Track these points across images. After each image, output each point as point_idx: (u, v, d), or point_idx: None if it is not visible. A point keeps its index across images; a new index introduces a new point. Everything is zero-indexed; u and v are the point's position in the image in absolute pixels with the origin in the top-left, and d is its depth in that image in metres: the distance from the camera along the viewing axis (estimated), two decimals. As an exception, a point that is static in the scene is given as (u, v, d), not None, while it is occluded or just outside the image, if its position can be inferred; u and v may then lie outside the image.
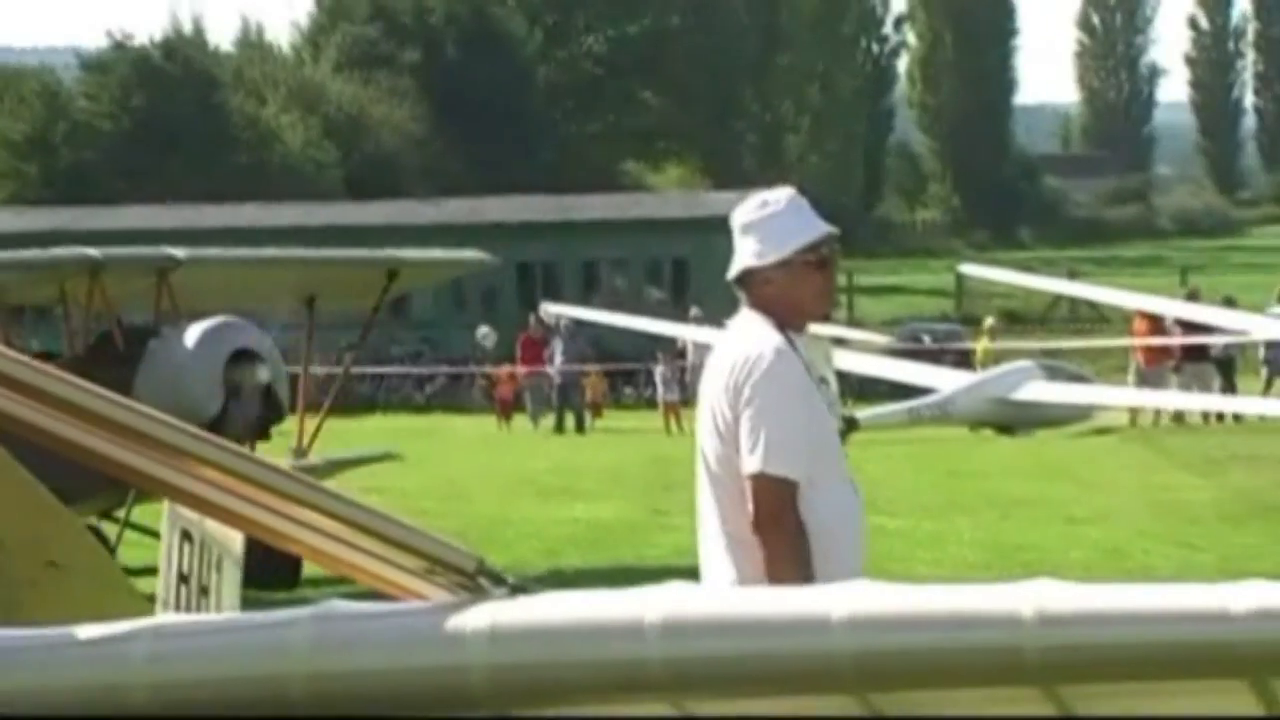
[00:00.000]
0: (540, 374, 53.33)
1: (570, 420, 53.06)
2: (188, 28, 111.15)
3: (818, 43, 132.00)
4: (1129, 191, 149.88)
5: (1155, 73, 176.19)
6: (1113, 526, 27.95)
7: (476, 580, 5.28)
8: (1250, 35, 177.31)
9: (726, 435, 9.25)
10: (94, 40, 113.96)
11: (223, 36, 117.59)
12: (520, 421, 53.87)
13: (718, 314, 42.95)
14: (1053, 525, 28.26)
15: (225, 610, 7.05)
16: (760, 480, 9.11)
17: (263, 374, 24.32)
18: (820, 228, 9.44)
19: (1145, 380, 47.98)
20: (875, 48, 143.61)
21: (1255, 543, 25.26)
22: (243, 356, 24.27)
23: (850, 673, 4.27)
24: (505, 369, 56.32)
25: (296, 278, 28.33)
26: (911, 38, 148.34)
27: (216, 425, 23.35)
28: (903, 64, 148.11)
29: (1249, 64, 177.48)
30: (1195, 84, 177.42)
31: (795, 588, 5.99)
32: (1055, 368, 48.54)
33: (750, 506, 9.16)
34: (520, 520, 28.71)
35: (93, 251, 26.10)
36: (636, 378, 61.16)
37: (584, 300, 62.37)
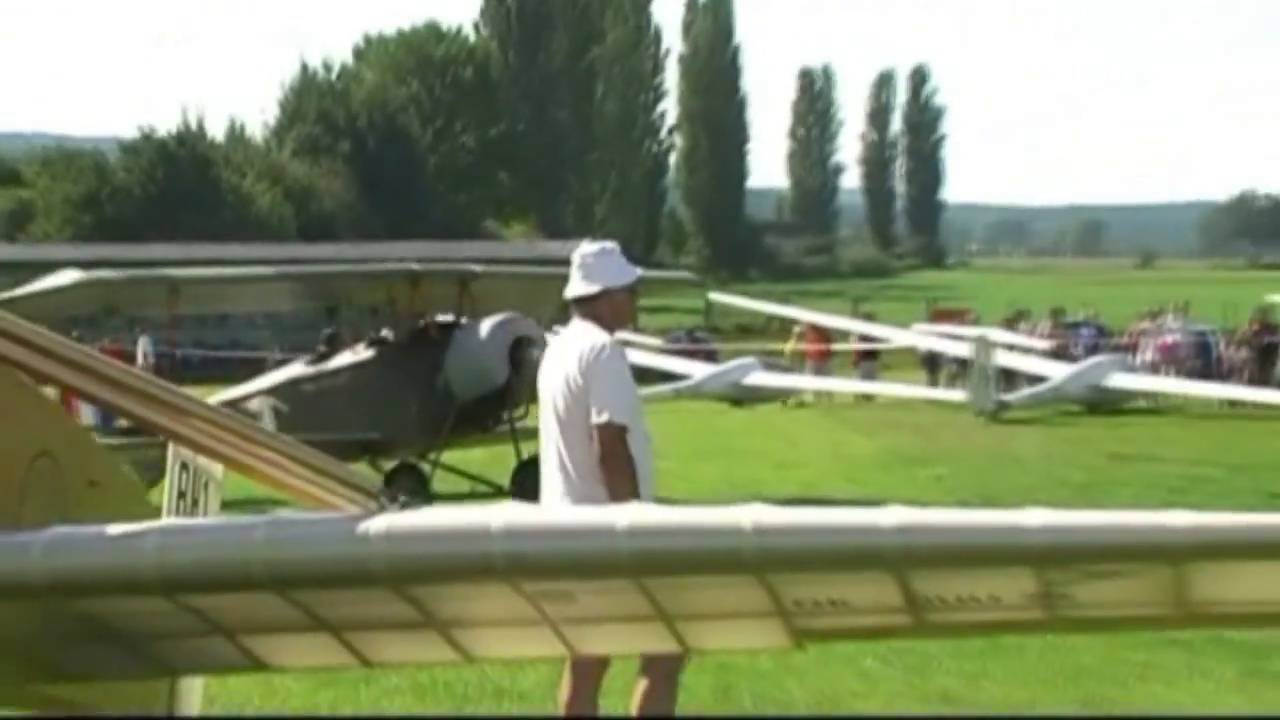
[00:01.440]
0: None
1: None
2: (194, 124, 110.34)
3: (617, 144, 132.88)
4: (820, 247, 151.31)
5: (839, 169, 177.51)
6: (808, 470, 28.08)
7: (379, 498, 5.27)
8: (901, 146, 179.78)
9: (578, 397, 9.54)
10: (130, 132, 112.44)
11: (217, 130, 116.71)
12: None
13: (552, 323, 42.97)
14: (768, 468, 28.31)
15: (211, 516, 6.99)
16: (608, 427, 9.47)
17: (536, 354, 22.72)
18: (634, 272, 10.09)
19: (819, 371, 48.24)
20: (655, 148, 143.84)
21: (897, 481, 25.40)
22: (522, 341, 23.89)
23: (627, 563, 4.27)
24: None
25: (554, 288, 27.05)
26: (679, 141, 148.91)
27: (504, 390, 23.87)
28: (673, 158, 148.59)
29: (900, 164, 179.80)
30: (865, 176, 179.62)
31: (589, 507, 5.97)
32: (770, 362, 48.73)
33: (597, 446, 9.46)
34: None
35: (414, 265, 25.92)
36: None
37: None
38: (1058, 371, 41.96)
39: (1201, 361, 46.41)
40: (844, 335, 51.31)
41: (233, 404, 23.75)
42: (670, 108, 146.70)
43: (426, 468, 24.42)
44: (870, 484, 25.11)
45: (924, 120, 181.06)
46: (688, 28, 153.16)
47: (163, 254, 68.46)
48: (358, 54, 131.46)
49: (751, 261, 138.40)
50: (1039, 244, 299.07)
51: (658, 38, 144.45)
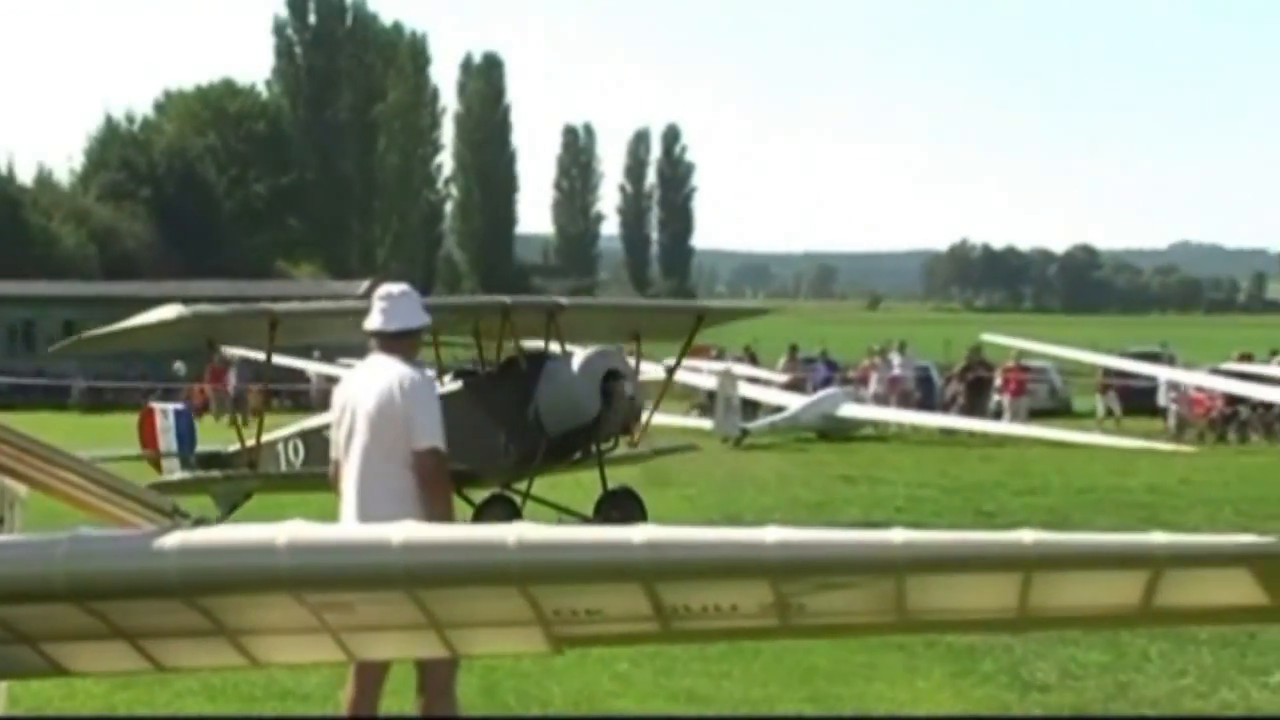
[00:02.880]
0: (222, 390, 51.90)
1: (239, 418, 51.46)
2: (3, 168, 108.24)
3: (398, 192, 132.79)
4: (582, 288, 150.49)
5: (599, 217, 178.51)
6: (577, 489, 27.91)
7: (172, 516, 5.19)
8: (655, 197, 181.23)
9: (394, 424, 9.45)
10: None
11: (26, 174, 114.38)
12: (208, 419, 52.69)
13: (327, 356, 42.36)
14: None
15: (16, 533, 6.85)
16: (434, 453, 9.44)
17: (627, 389, 22.19)
18: (426, 316, 10.12)
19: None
20: (432, 196, 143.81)
21: (652, 501, 24.93)
22: (613, 375, 22.14)
23: (401, 576, 4.25)
24: (198, 385, 54.50)
25: (629, 320, 25.85)
26: (454, 190, 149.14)
27: (596, 423, 22.11)
28: (449, 206, 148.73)
29: (655, 214, 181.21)
30: (623, 224, 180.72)
31: (369, 525, 5.92)
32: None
33: (421, 470, 9.42)
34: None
35: (505, 298, 24.05)
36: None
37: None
38: (794, 402, 42.38)
39: (922, 393, 47.24)
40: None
41: (317, 431, 22.38)
42: (446, 160, 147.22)
43: (516, 499, 22.77)
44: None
45: (676, 174, 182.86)
46: (462, 88, 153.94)
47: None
48: (158, 107, 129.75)
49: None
50: (778, 286, 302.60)
51: (435, 97, 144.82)
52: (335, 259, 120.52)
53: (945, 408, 45.26)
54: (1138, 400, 45.83)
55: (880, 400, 45.52)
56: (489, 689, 12.19)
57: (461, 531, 4.40)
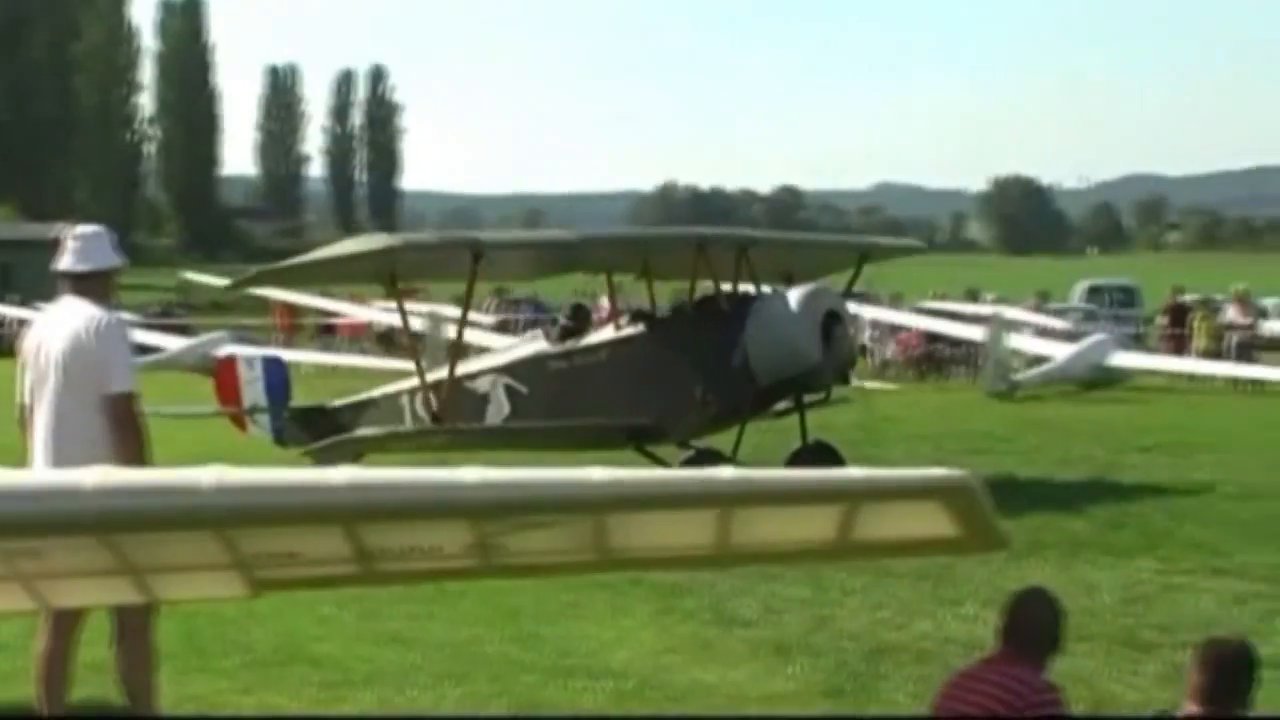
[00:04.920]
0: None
1: None
2: None
3: (96, 133, 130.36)
4: (289, 230, 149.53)
5: (304, 159, 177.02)
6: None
7: None
8: (362, 138, 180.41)
9: (87, 367, 9.22)
10: None
11: None
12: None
13: (32, 299, 41.53)
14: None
15: None
16: (126, 397, 9.24)
17: (846, 331, 20.12)
18: (119, 257, 9.88)
19: (288, 344, 47.42)
20: (132, 137, 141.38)
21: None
22: (833, 315, 19.75)
23: (92, 520, 4.15)
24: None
25: (830, 257, 23.54)
26: (156, 131, 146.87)
27: (815, 371, 19.66)
28: (151, 147, 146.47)
29: (362, 156, 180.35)
30: (329, 167, 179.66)
31: (59, 470, 5.79)
32: (243, 336, 47.55)
33: (114, 414, 9.20)
34: None
35: (702, 230, 21.86)
36: None
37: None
38: (499, 343, 42.33)
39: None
40: (318, 313, 50.61)
41: (457, 383, 20.27)
42: (147, 101, 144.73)
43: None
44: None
45: (382, 115, 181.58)
46: (162, 27, 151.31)
47: None
48: None
49: (224, 244, 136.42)
50: (487, 229, 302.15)
51: (133, 35, 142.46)
52: (31, 201, 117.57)
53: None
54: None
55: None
56: (189, 634, 12.01)
57: (156, 475, 4.30)
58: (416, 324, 43.07)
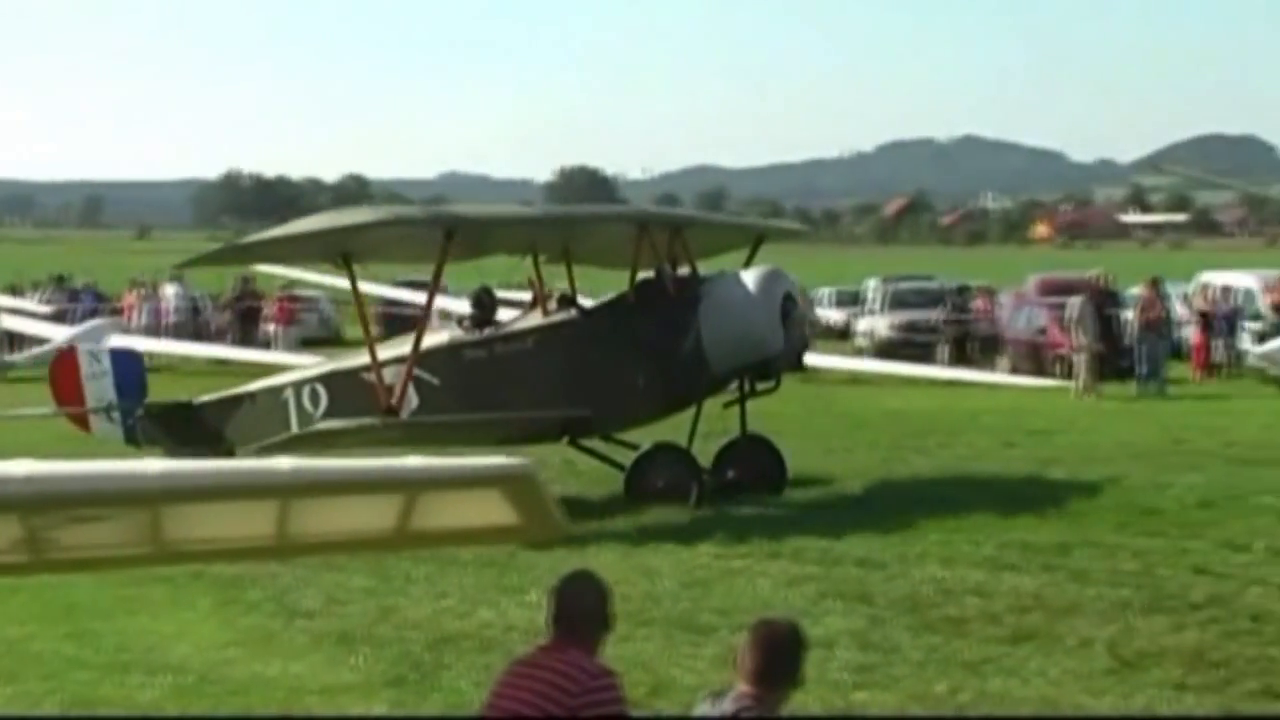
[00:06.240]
0: None
1: None
2: None
3: None
4: None
5: None
6: None
7: None
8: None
9: None
10: None
11: None
12: None
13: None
14: None
15: None
16: None
17: (802, 315, 19.31)
18: None
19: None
20: None
21: None
22: (789, 299, 18.82)
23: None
24: None
25: (734, 236, 21.98)
26: None
27: (773, 360, 18.69)
28: None
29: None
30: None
31: None
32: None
33: None
34: None
35: (645, 209, 19.47)
36: None
37: None
38: (59, 333, 41.10)
39: (193, 322, 46.58)
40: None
41: (352, 374, 18.94)
42: None
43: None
44: None
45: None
46: None
47: None
48: None
49: None
50: (44, 216, 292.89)
51: None
52: None
53: (214, 337, 44.85)
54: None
55: (150, 332, 44.68)
56: None
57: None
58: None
